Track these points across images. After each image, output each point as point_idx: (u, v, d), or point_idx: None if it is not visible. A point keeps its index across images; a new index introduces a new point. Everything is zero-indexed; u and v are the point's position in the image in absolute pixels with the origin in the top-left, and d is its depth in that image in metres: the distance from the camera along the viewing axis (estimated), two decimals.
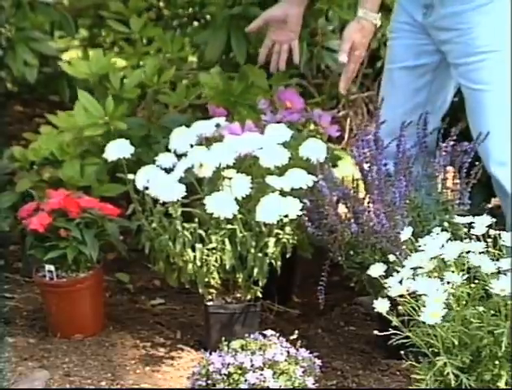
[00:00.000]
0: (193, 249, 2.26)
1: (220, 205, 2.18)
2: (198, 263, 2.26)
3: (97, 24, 3.71)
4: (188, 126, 2.40)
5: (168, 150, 2.37)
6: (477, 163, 2.26)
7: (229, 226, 2.23)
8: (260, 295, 2.30)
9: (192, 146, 2.32)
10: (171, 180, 2.24)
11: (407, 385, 2.16)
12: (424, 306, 1.76)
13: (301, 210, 2.24)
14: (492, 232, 1.83)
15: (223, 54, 2.90)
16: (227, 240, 2.25)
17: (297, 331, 2.09)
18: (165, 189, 2.22)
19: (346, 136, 3.22)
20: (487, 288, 1.76)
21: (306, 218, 2.28)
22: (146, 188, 2.27)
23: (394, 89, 2.41)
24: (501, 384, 1.74)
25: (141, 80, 2.73)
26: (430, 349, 1.80)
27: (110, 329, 2.46)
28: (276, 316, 2.53)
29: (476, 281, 1.80)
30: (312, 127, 2.68)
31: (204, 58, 2.86)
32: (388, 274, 1.93)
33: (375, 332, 1.90)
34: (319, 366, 2.06)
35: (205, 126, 2.39)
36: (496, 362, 1.75)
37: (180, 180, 2.26)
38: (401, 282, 1.85)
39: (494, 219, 1.87)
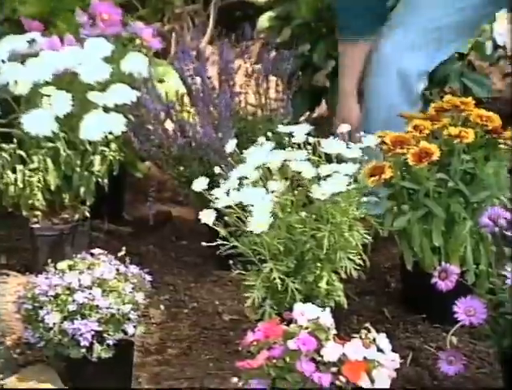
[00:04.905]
0: (14, 171, 2.18)
1: (38, 123, 2.11)
2: (20, 185, 2.19)
3: None
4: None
5: None
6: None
7: (51, 144, 2.16)
8: (88, 214, 2.26)
9: (4, 62, 2.21)
10: None
11: (238, 293, 2.20)
12: (252, 217, 1.77)
13: (126, 126, 2.19)
14: (311, 140, 1.86)
15: None
16: (49, 160, 2.18)
17: (124, 248, 2.06)
18: None
19: (172, 50, 3.17)
20: (309, 194, 1.79)
21: (132, 134, 2.24)
22: None
23: None
24: (322, 284, 1.80)
25: None
26: (257, 257, 1.83)
27: None
28: (107, 235, 2.49)
29: (299, 188, 1.83)
30: (138, 41, 2.61)
31: None
32: (214, 186, 1.93)
33: (203, 243, 1.91)
34: (150, 282, 2.05)
35: (18, 40, 2.28)
36: (318, 264, 1.81)
37: None
38: (227, 193, 1.85)
39: (313, 127, 1.90)
